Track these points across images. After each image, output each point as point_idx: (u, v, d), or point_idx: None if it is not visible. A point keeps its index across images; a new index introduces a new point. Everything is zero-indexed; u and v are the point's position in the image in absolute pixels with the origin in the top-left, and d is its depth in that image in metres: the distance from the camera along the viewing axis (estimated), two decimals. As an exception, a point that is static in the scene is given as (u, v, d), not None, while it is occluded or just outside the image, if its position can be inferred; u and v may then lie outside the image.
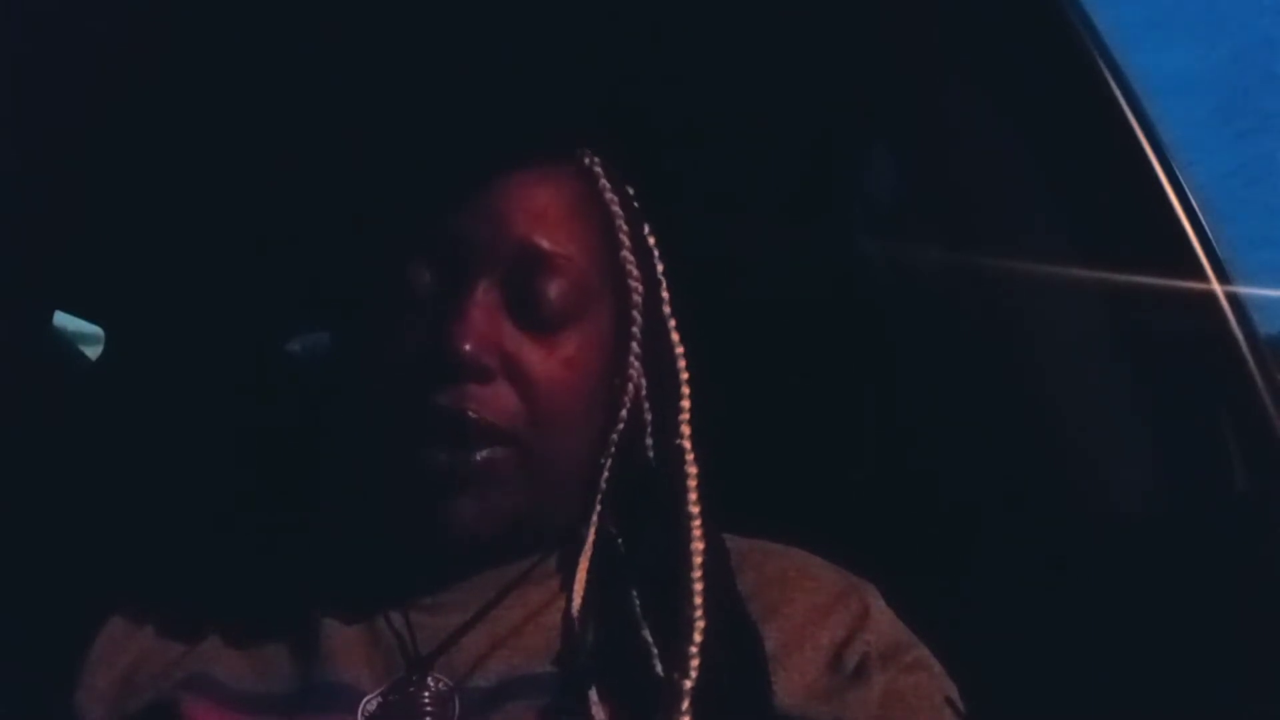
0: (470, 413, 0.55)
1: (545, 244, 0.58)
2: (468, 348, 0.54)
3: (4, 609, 0.70)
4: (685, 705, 0.51)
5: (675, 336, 0.63)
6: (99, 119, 0.85)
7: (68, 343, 1.27)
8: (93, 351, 1.28)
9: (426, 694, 0.55)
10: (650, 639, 0.55)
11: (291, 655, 0.57)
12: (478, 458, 0.55)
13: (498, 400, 0.56)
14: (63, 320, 1.19)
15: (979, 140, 0.73)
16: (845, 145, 0.94)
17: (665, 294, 0.64)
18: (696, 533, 0.57)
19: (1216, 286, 0.57)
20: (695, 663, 0.52)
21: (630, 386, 0.63)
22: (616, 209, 0.64)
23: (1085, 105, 0.61)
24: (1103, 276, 0.62)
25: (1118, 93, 0.60)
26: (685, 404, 0.61)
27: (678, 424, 0.61)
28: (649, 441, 0.63)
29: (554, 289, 0.58)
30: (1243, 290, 0.57)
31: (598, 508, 0.61)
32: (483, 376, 0.56)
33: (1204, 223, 0.58)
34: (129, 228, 1.01)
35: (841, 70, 0.83)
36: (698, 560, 0.56)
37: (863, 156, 0.94)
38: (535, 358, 0.57)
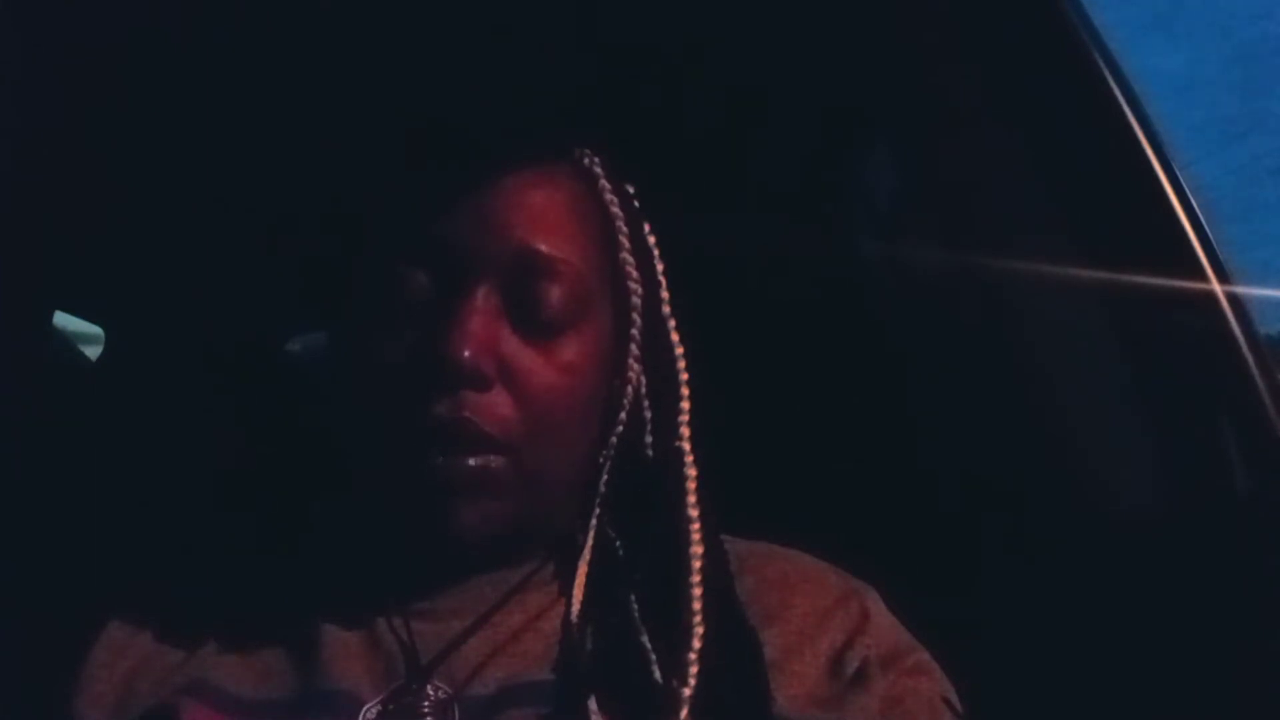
0: (467, 421, 0.55)
1: (544, 248, 0.58)
2: (466, 355, 0.54)
3: (4, 612, 0.70)
4: (684, 713, 0.51)
5: (675, 337, 0.63)
6: (99, 119, 0.85)
7: (68, 343, 1.27)
8: (93, 351, 1.28)
9: (426, 702, 0.54)
10: (649, 645, 0.54)
11: (291, 661, 0.57)
12: (473, 463, 0.55)
13: (494, 408, 0.55)
14: (63, 320, 1.18)
15: (979, 140, 0.73)
16: (845, 145, 0.94)
17: (665, 294, 0.64)
18: (695, 536, 0.57)
19: (1216, 286, 0.57)
20: (694, 670, 0.52)
21: (629, 388, 0.63)
22: (616, 209, 0.63)
23: (1085, 106, 0.61)
24: (1103, 276, 0.61)
25: (1118, 93, 0.60)
26: (685, 405, 0.61)
27: (677, 425, 0.60)
28: (648, 441, 0.63)
29: (553, 294, 0.57)
30: (1243, 290, 0.57)
31: (596, 511, 0.61)
32: (480, 384, 0.55)
33: (1204, 223, 0.58)
34: (129, 228, 1.01)
35: (842, 71, 0.82)
36: (696, 565, 0.55)
37: (863, 156, 0.94)
38: (533, 364, 0.57)
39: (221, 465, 1.03)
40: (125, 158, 0.91)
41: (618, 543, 0.60)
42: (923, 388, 0.91)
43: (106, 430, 1.07)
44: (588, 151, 0.64)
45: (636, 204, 0.65)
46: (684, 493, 0.58)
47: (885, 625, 0.59)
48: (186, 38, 0.77)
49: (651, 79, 0.84)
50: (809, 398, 0.95)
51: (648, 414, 0.63)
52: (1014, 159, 0.69)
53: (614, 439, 0.62)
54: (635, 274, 0.63)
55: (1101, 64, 0.61)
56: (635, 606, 0.56)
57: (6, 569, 0.77)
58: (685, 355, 0.63)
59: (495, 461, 0.56)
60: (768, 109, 0.88)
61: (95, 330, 1.25)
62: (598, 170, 0.63)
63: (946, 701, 0.57)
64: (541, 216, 0.58)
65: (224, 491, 0.98)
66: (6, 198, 0.83)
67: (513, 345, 0.57)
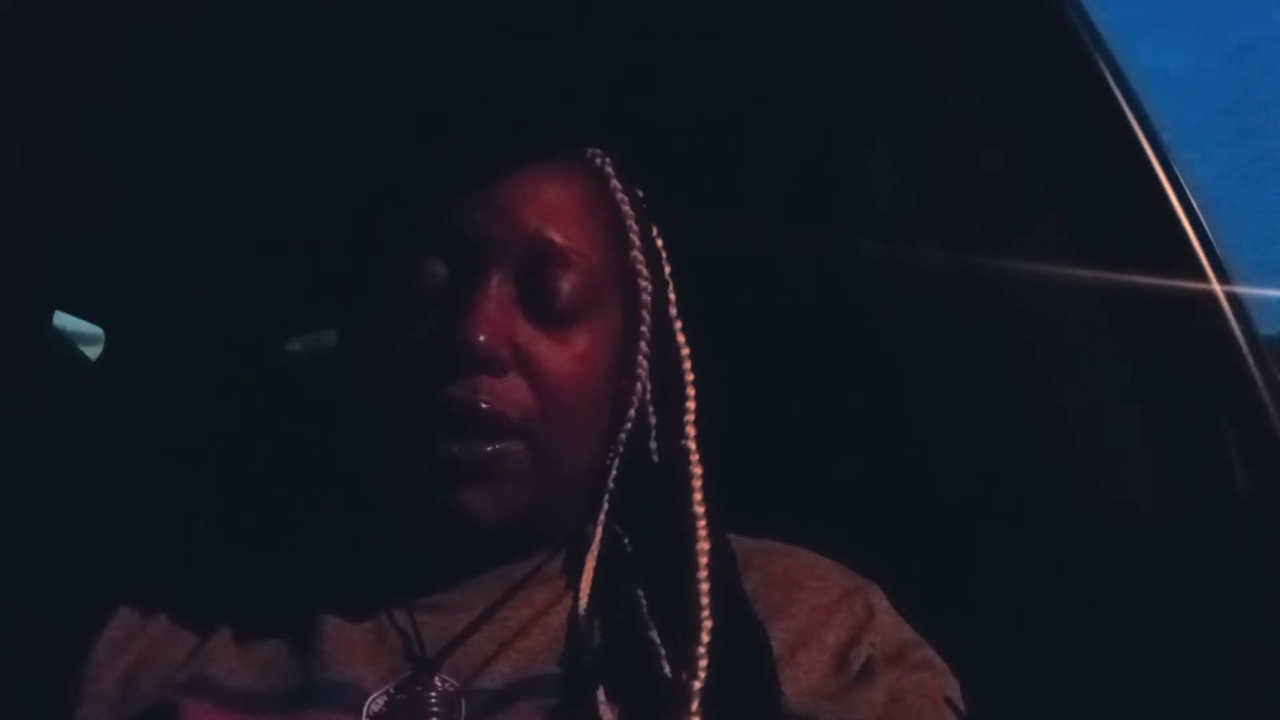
0: (483, 404, 0.55)
1: (558, 238, 0.59)
2: (482, 339, 0.55)
3: (5, 611, 0.70)
4: (694, 705, 0.51)
5: (681, 338, 0.64)
6: (99, 119, 0.85)
7: (68, 343, 1.27)
8: (93, 351, 1.28)
9: (433, 694, 0.55)
10: (657, 639, 0.54)
11: (294, 655, 0.57)
12: (488, 449, 0.56)
13: (510, 392, 0.56)
14: (63, 320, 1.18)
15: (979, 140, 0.73)
16: (846, 145, 0.94)
17: (672, 295, 0.65)
18: (701, 533, 0.57)
19: (1216, 286, 0.57)
20: (703, 663, 0.52)
21: (638, 385, 0.63)
22: (627, 209, 0.64)
23: (1085, 105, 0.61)
24: (1103, 276, 0.62)
25: (1118, 93, 0.60)
26: (690, 405, 0.61)
27: (682, 425, 0.61)
28: (653, 444, 0.63)
29: (566, 283, 0.58)
30: (1243, 290, 0.57)
31: (605, 507, 0.61)
32: (496, 368, 0.56)
33: (1204, 223, 0.58)
34: (129, 228, 1.01)
35: (842, 71, 0.83)
36: (703, 560, 0.56)
37: (863, 157, 0.94)
38: (547, 351, 0.58)
39: (223, 463, 1.03)
40: (125, 158, 0.91)
41: (625, 539, 0.61)
42: (923, 388, 0.91)
43: (106, 430, 1.07)
44: (599, 152, 0.65)
45: (645, 206, 0.66)
46: (690, 490, 0.59)
47: (890, 622, 0.60)
48: (187, 37, 0.77)
49: (651, 80, 0.84)
50: (810, 398, 0.95)
51: (653, 414, 0.64)
52: (1014, 159, 0.69)
53: (622, 436, 0.63)
54: (645, 273, 0.64)
55: (1101, 64, 0.61)
56: (643, 602, 0.56)
57: (6, 569, 0.77)
58: (691, 355, 0.63)
59: (514, 446, 0.56)
60: (768, 109, 0.88)
61: (95, 330, 1.25)
62: (609, 170, 0.64)
63: (947, 697, 0.57)
64: (555, 208, 0.59)
65: (224, 491, 0.98)
66: (6, 198, 0.83)
67: (527, 332, 0.58)
